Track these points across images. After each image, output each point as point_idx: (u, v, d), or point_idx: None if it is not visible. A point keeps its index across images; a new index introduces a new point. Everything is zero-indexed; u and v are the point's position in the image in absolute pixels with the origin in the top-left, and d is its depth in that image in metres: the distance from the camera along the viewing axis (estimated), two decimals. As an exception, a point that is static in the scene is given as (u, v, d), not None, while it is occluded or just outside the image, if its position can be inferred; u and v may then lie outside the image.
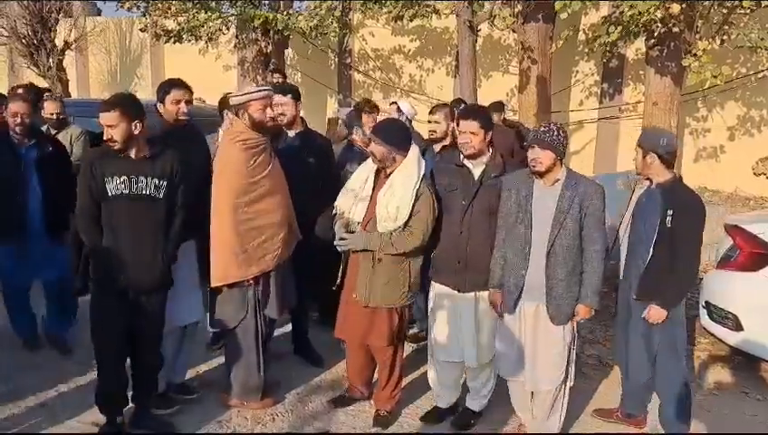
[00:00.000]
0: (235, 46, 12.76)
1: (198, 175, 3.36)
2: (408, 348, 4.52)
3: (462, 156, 3.31)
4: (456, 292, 3.32)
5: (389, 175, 3.27)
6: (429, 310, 3.50)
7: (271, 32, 11.02)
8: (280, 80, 9.27)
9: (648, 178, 3.27)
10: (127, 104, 2.98)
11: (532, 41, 8.76)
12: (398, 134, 3.28)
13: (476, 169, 3.29)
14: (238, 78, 13.55)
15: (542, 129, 3.08)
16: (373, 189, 3.33)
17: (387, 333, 3.35)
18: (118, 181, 2.97)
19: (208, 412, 3.57)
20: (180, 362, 3.69)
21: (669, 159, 3.18)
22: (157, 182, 3.04)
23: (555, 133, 3.03)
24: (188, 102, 3.45)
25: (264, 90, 3.41)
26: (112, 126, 2.93)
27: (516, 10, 8.48)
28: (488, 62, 11.93)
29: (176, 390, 3.68)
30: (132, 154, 3.02)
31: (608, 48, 8.64)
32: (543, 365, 3.17)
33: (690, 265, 3.16)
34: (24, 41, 12.83)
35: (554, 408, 3.29)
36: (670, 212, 3.09)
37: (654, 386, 3.37)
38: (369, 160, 3.37)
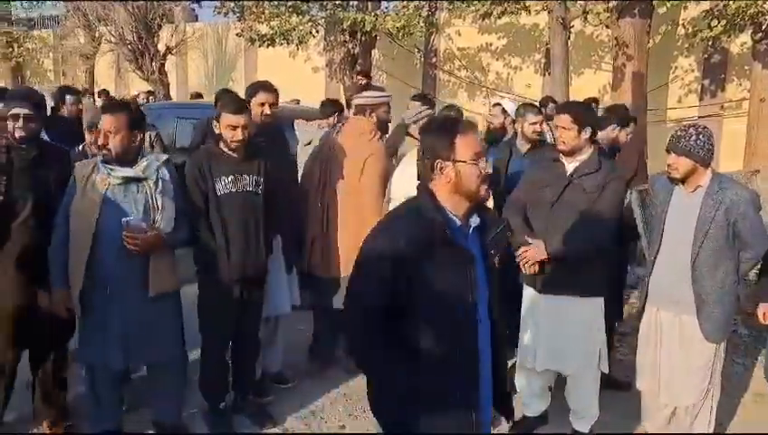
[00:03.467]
0: (323, 48, 13.09)
1: (281, 173, 3.53)
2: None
3: (558, 153, 3.19)
4: (536, 292, 3.22)
5: None
6: (521, 313, 3.41)
7: (358, 33, 11.21)
8: (363, 81, 9.38)
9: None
10: (248, 107, 3.23)
11: (628, 36, 8.45)
12: None
13: (570, 165, 3.14)
14: (326, 79, 13.90)
15: (679, 133, 2.88)
16: None
17: None
18: (226, 180, 3.13)
19: (303, 402, 3.69)
20: (275, 351, 3.82)
21: None
22: (256, 179, 3.21)
23: (693, 138, 2.82)
24: (273, 105, 3.60)
25: (388, 95, 3.83)
26: (245, 127, 3.11)
27: (611, 5, 8.21)
28: (580, 59, 11.60)
29: (271, 378, 3.82)
30: (237, 154, 3.17)
31: (709, 42, 8.22)
32: (682, 379, 3.01)
33: None
34: (129, 46, 13.67)
35: (698, 423, 3.08)
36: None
37: None
38: (408, 165, 3.32)
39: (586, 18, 8.36)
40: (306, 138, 4.60)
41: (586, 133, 3.10)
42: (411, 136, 4.33)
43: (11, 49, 17.46)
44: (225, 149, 3.16)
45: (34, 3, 17.61)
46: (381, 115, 3.84)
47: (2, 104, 3.20)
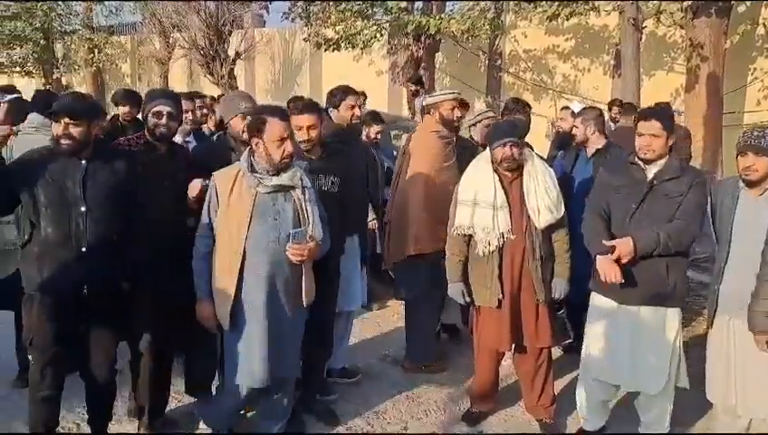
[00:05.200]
0: (387, 52, 13.20)
1: (361, 174, 3.66)
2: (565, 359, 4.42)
3: (634, 156, 3.07)
4: (615, 304, 3.12)
5: (520, 172, 3.24)
6: (587, 322, 3.33)
7: (422, 36, 11.24)
8: (413, 89, 9.31)
9: None
10: (318, 109, 3.29)
11: (703, 37, 8.14)
12: (517, 130, 3.34)
13: (651, 169, 3.03)
14: (389, 82, 14.01)
15: (756, 133, 2.78)
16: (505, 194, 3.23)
17: (552, 331, 3.35)
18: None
19: (366, 402, 3.73)
20: (342, 347, 3.86)
21: None
22: (333, 179, 3.26)
23: None
24: (360, 107, 3.71)
25: (453, 93, 4.08)
26: (312, 127, 3.15)
27: (685, 5, 7.94)
28: (651, 60, 11.25)
29: (337, 374, 3.87)
30: (314, 154, 3.23)
31: (793, 42, 7.82)
32: (759, 389, 2.89)
33: None
34: (201, 51, 14.19)
35: None
36: None
37: None
38: (477, 169, 3.30)
39: (659, 19, 8.11)
40: None
41: (671, 139, 3.02)
42: (471, 139, 4.36)
43: (92, 55, 18.41)
44: (302, 150, 3.19)
45: (114, 3, 18.43)
46: (444, 112, 3.99)
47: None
